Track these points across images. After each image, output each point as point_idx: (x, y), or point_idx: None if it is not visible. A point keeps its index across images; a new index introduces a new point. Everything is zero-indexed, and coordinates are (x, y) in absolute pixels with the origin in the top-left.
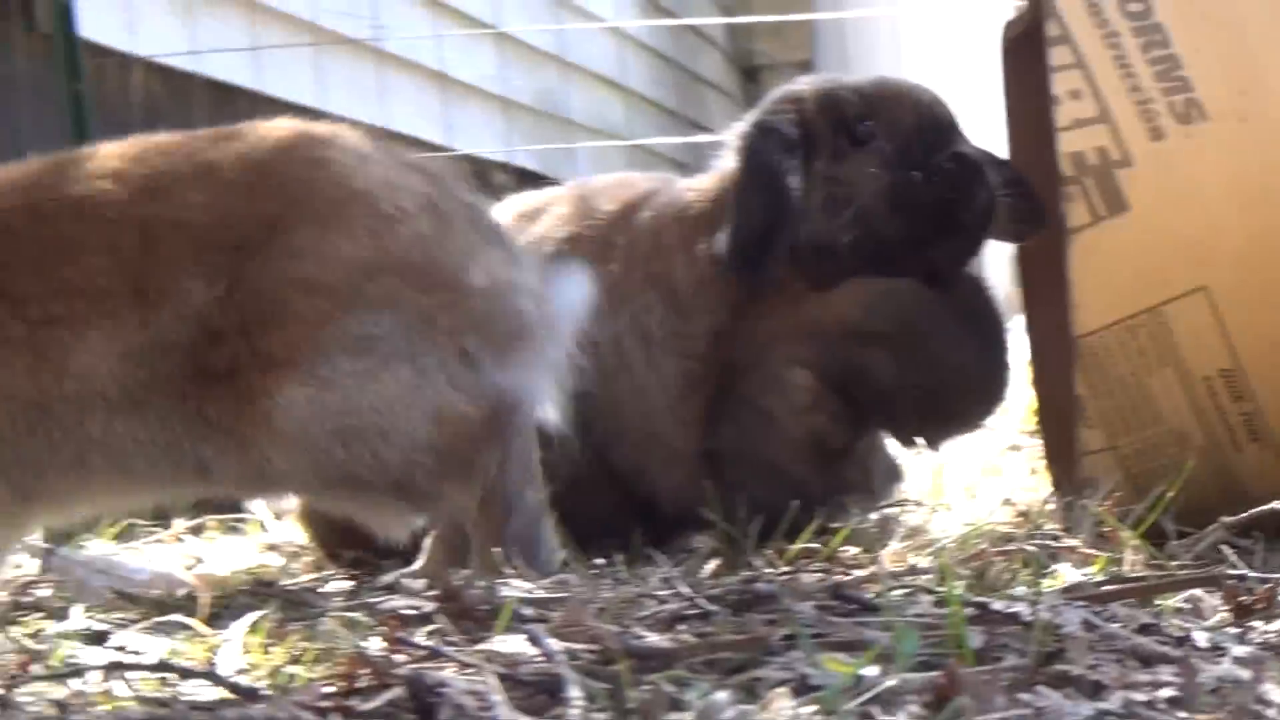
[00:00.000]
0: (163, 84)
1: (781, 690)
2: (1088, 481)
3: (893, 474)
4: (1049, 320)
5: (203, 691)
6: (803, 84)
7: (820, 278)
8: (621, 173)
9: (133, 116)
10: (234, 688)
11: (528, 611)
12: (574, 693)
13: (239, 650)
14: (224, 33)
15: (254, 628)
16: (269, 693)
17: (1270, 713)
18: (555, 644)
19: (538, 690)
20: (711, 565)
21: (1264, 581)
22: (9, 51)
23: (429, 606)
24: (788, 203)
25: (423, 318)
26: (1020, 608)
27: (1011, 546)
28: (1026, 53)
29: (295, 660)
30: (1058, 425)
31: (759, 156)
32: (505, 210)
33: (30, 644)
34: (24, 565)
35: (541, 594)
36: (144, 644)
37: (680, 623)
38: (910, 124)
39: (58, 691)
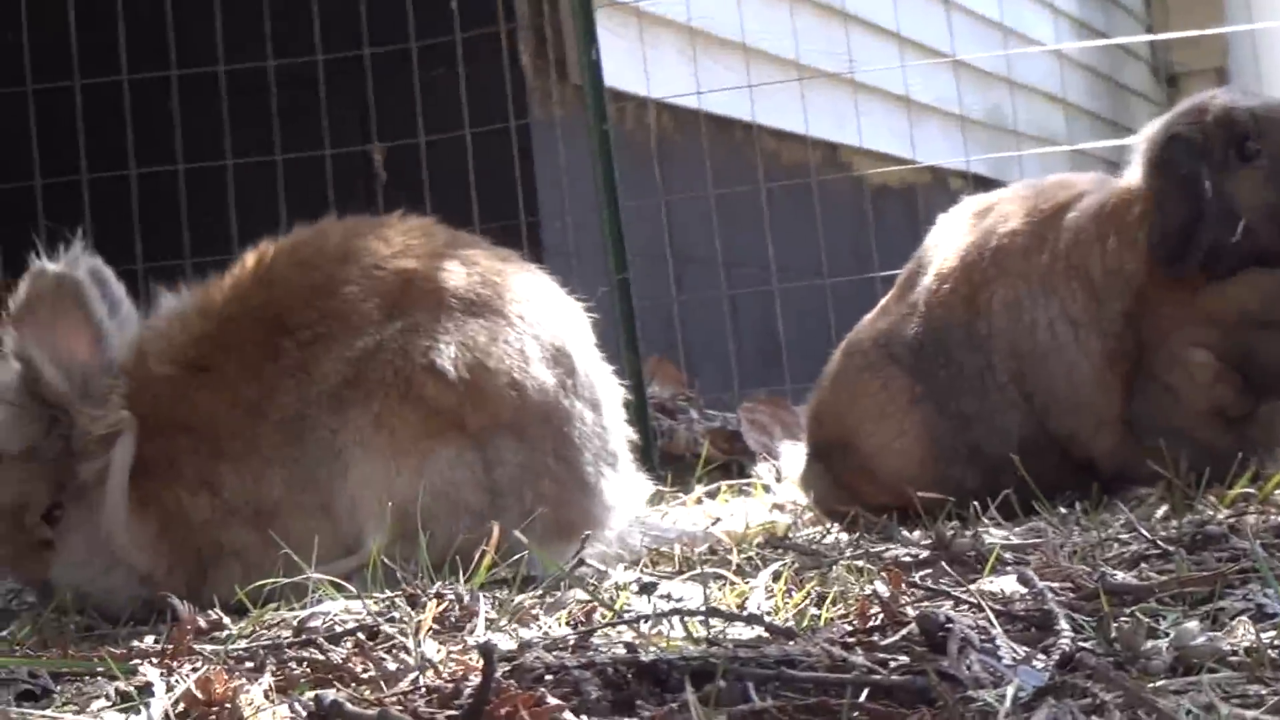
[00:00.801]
0: (672, 120)
1: (1242, 618)
2: None
3: None
4: None
5: (742, 632)
6: (1205, 99)
7: (1215, 271)
8: (1064, 174)
9: (648, 150)
10: (771, 628)
11: (1008, 555)
12: (1063, 625)
13: (766, 596)
14: (722, 73)
15: (776, 576)
16: (800, 631)
17: None
18: (1041, 582)
19: (1029, 624)
20: (1160, 512)
21: None
22: (549, 101)
23: (924, 554)
24: (1205, 205)
25: None
26: None
27: None
28: None
29: (816, 603)
30: None
31: (1176, 164)
32: (962, 209)
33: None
34: None
35: (1017, 540)
36: (686, 592)
37: (1143, 562)
38: None
39: (625, 635)
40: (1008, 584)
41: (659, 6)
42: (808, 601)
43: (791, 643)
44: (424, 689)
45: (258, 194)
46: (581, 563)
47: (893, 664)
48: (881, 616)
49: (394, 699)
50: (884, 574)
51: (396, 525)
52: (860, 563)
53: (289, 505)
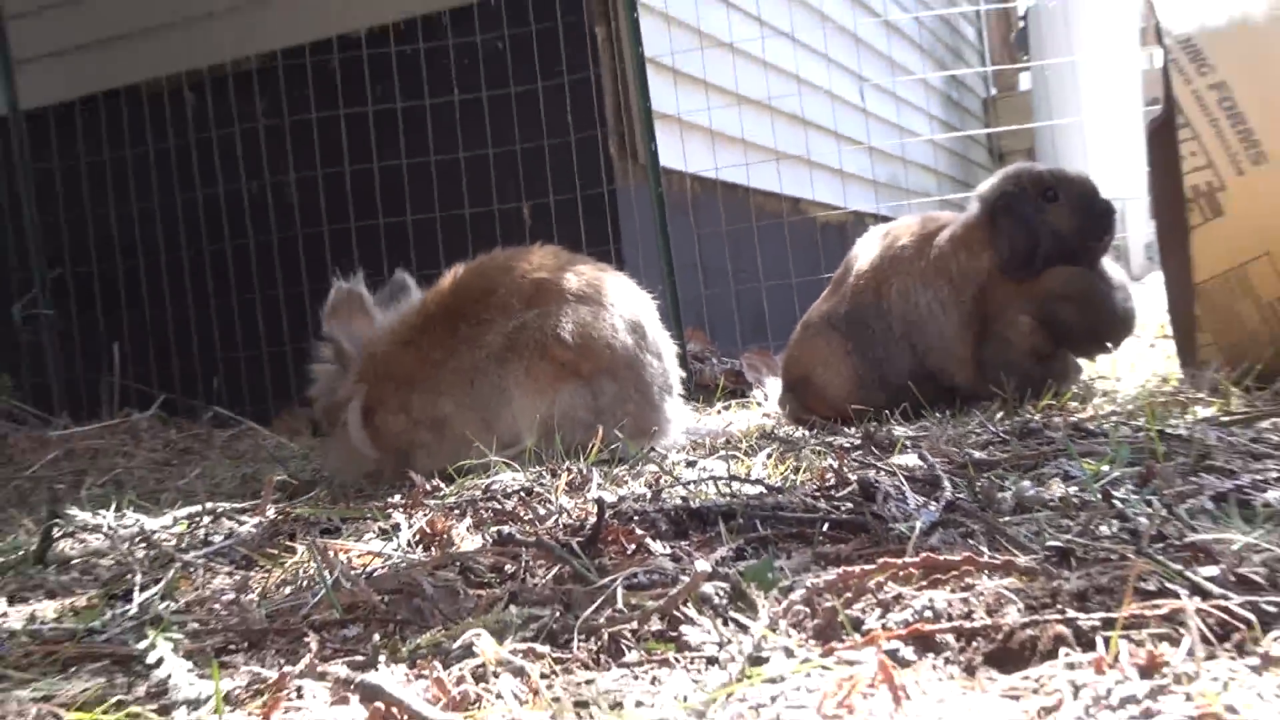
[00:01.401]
0: (700, 186)
1: (1055, 479)
2: (1204, 363)
3: (1078, 368)
4: (1180, 276)
5: (750, 489)
6: (1020, 167)
7: (1037, 270)
8: (934, 213)
9: (685, 204)
10: (768, 487)
11: (908, 443)
12: (946, 484)
13: (763, 468)
14: (730, 157)
15: (769, 456)
16: (785, 489)
17: None
18: (931, 458)
19: (925, 483)
20: (999, 416)
21: None
22: (626, 175)
23: (857, 442)
24: (1039, 233)
25: None
26: (1182, 430)
27: (1165, 398)
28: (1162, 134)
29: (794, 471)
30: (1185, 333)
31: (1013, 209)
32: (873, 233)
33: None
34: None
35: (912, 433)
36: (716, 465)
37: (991, 446)
38: (1076, 190)
39: (679, 492)
40: (910, 460)
41: (692, 117)
42: (788, 470)
43: (780, 496)
44: (562, 526)
45: (453, 237)
46: (652, 449)
47: (843, 508)
48: (834, 479)
49: (545, 531)
50: (834, 454)
51: (540, 431)
52: (819, 448)
53: (456, 419)
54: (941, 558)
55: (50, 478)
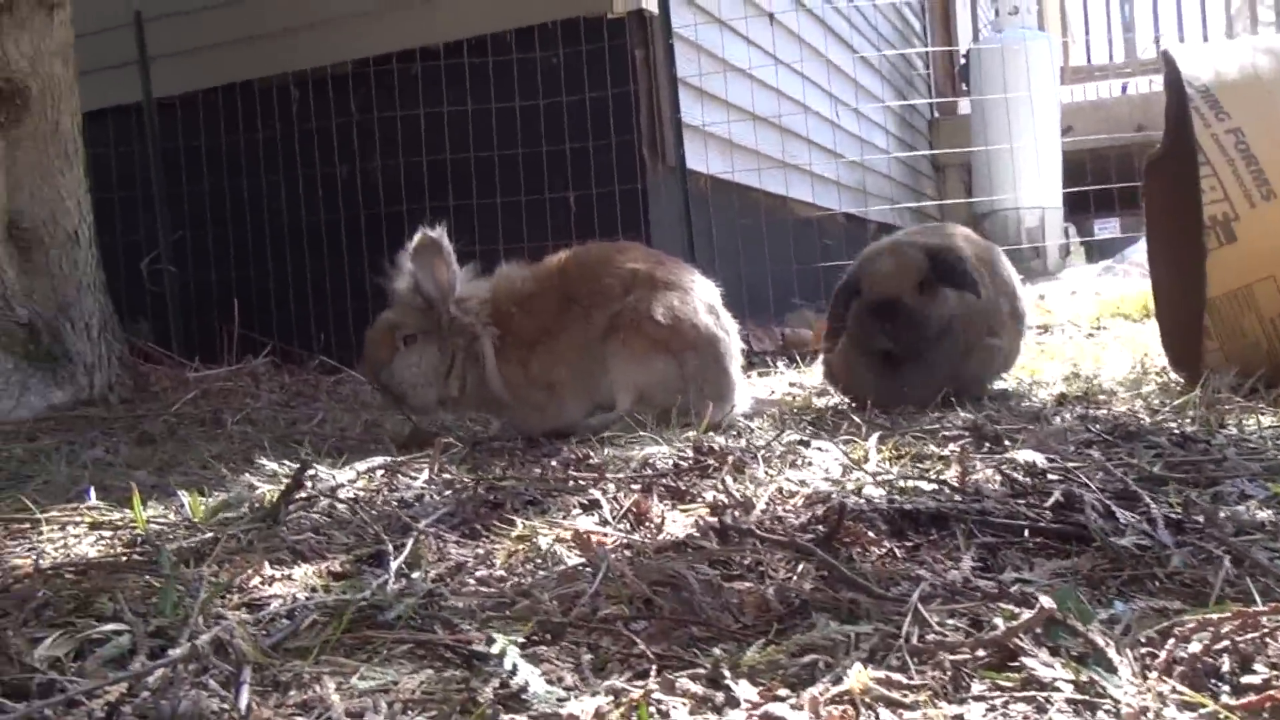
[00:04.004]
0: (718, 186)
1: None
2: (1210, 367)
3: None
4: (1169, 285)
5: (926, 486)
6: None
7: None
8: (927, 225)
9: (706, 201)
10: (951, 487)
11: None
12: (1148, 500)
13: (876, 452)
14: (743, 162)
15: (881, 440)
16: (965, 488)
17: None
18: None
19: (1119, 496)
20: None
21: None
22: (657, 175)
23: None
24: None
25: None
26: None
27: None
28: (1159, 166)
29: (913, 461)
30: (1176, 334)
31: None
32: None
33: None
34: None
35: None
36: (829, 448)
37: (1094, 445)
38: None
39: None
40: (1028, 455)
41: (713, 129)
42: (907, 460)
43: (975, 500)
44: (772, 515)
45: (510, 220)
46: (731, 410)
47: (1045, 517)
48: (1030, 483)
49: (761, 523)
50: (936, 443)
51: (635, 396)
52: (917, 434)
53: (566, 383)
54: None
55: (193, 414)
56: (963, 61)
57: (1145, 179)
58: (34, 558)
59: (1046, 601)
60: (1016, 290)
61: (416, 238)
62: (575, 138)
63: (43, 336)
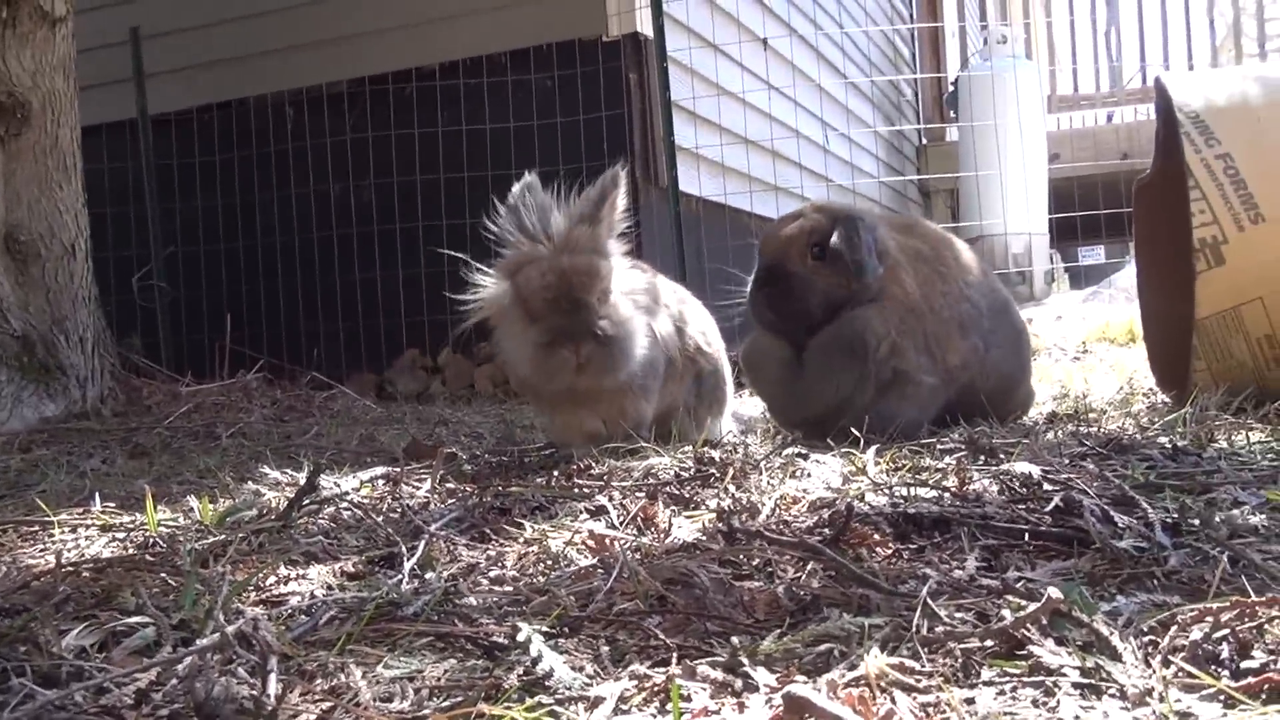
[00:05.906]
0: (708, 208)
1: (1226, 501)
2: (1197, 385)
3: None
4: (1159, 307)
5: (925, 493)
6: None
7: None
8: None
9: (697, 220)
10: (952, 493)
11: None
12: (1144, 504)
13: (874, 464)
14: (734, 185)
15: (879, 452)
16: (964, 494)
17: None
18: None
19: (1115, 501)
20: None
21: None
22: (650, 197)
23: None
24: None
25: None
26: None
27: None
28: (1148, 190)
29: (912, 472)
30: (1163, 356)
31: None
32: None
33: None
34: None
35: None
36: (830, 461)
37: (1089, 458)
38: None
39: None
40: (1024, 468)
41: (706, 152)
42: (906, 469)
43: (974, 505)
44: (778, 519)
45: None
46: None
47: (1045, 522)
48: (1026, 490)
49: (767, 525)
50: (932, 455)
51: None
52: (913, 448)
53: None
54: None
55: (187, 428)
56: (951, 89)
57: (1134, 203)
58: (52, 555)
59: (1053, 592)
60: (984, 308)
61: (520, 184)
62: (569, 158)
63: (37, 349)
